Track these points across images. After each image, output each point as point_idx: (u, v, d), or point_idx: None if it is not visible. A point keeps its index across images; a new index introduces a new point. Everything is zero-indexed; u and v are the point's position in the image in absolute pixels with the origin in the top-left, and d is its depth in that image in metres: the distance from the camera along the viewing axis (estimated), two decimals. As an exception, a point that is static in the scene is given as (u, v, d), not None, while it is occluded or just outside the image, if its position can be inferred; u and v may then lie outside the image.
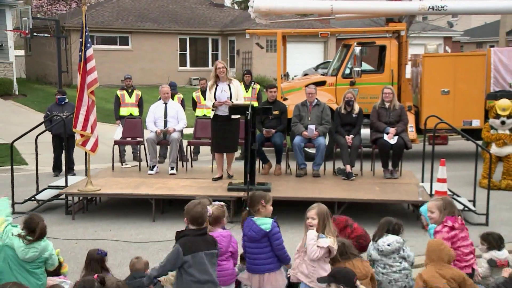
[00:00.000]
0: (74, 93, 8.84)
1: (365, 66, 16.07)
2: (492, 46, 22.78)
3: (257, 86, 12.78)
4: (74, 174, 10.76)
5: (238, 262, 5.36)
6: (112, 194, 8.84)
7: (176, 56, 31.07)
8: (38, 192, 8.93)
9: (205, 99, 9.90)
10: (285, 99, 12.28)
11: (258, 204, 4.95)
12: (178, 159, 10.18)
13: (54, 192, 8.94)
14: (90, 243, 7.01)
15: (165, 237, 7.41)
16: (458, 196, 8.66)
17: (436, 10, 13.07)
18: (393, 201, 8.49)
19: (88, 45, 8.33)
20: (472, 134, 10.65)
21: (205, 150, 12.54)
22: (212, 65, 34.12)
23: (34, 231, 4.68)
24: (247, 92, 12.59)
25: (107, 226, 8.07)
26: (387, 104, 9.74)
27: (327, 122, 9.77)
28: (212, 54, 32.52)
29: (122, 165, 10.93)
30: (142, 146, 10.72)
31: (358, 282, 4.37)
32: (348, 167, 9.46)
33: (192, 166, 10.51)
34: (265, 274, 4.91)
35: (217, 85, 9.02)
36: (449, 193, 8.20)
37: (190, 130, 12.29)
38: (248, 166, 8.26)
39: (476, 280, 5.22)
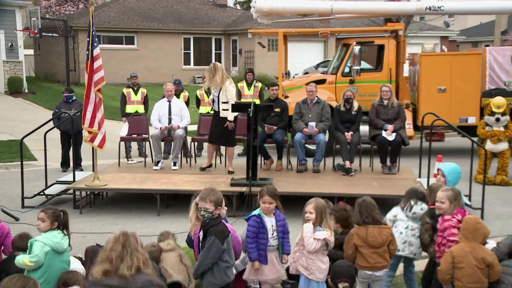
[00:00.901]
0: (82, 91, 8.84)
1: (364, 64, 16.06)
2: (488, 46, 22.74)
3: (259, 84, 12.78)
4: (82, 170, 10.75)
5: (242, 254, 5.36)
6: (118, 189, 8.85)
7: (180, 55, 31.04)
8: (47, 187, 8.94)
9: (208, 97, 9.99)
10: (286, 97, 12.26)
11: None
12: (182, 155, 10.18)
13: (62, 187, 8.95)
14: (97, 237, 7.02)
15: (170, 230, 7.40)
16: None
17: (433, 10, 13.03)
18: (391, 196, 8.48)
19: (95, 44, 8.32)
20: (468, 131, 10.61)
21: (208, 146, 12.53)
22: (216, 64, 33.78)
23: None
24: (249, 90, 12.59)
25: (113, 220, 8.08)
26: (385, 102, 9.73)
27: (327, 119, 9.76)
28: (215, 53, 32.50)
29: (128, 161, 10.93)
30: (147, 143, 10.72)
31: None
32: (347, 163, 9.45)
33: (196, 161, 10.51)
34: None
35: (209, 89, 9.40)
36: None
37: (194, 127, 12.27)
38: (250, 162, 8.27)
39: None
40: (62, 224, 4.74)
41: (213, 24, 32.22)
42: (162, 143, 10.35)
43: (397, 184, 8.69)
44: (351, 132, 9.58)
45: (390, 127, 9.52)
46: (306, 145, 10.01)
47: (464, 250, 4.49)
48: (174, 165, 9.75)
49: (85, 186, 8.53)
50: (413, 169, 9.68)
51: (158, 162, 9.81)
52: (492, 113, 10.23)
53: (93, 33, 8.30)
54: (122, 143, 10.83)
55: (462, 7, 13.37)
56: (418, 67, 12.65)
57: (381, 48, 13.03)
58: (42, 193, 8.82)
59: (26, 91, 24.50)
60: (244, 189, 8.11)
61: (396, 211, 5.46)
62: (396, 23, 13.43)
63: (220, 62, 32.17)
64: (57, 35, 23.91)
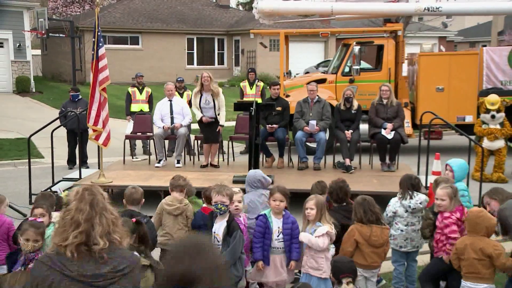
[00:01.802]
0: (88, 90, 8.83)
1: (364, 64, 16.01)
2: (485, 46, 22.68)
3: (261, 84, 12.76)
4: (88, 167, 10.76)
5: None
6: (123, 186, 8.82)
7: (183, 55, 31.01)
8: (53, 184, 8.94)
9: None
10: (287, 96, 12.24)
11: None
12: (185, 153, 10.18)
13: (69, 183, 8.94)
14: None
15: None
16: (452, 188, 8.62)
17: (431, 11, 12.99)
18: (391, 193, 8.44)
19: (101, 44, 8.32)
20: (465, 129, 10.59)
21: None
22: (219, 64, 34.03)
23: None
24: (251, 89, 12.57)
25: (118, 216, 8.05)
26: (384, 101, 9.71)
27: (328, 118, 9.74)
28: (218, 53, 32.47)
29: (132, 158, 10.94)
30: (151, 141, 10.71)
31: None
32: (347, 161, 9.44)
33: (199, 159, 10.50)
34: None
35: (201, 94, 9.48)
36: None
37: (197, 126, 12.23)
38: (252, 159, 8.25)
39: None
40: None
41: (216, 24, 32.19)
42: (166, 142, 10.34)
43: (396, 181, 8.46)
44: (351, 131, 9.56)
45: (389, 125, 9.50)
46: (307, 143, 9.99)
47: (464, 242, 4.54)
48: (178, 162, 9.76)
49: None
50: (411, 167, 9.65)
51: (160, 160, 9.81)
52: (487, 110, 10.21)
53: (99, 33, 8.30)
54: (127, 141, 10.84)
55: (460, 8, 13.31)
56: (417, 66, 12.62)
57: (380, 48, 13.00)
58: (49, 190, 8.81)
59: (34, 90, 24.50)
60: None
61: (395, 206, 5.41)
62: (395, 23, 13.40)
63: (223, 62, 32.30)
64: (64, 35, 23.93)
